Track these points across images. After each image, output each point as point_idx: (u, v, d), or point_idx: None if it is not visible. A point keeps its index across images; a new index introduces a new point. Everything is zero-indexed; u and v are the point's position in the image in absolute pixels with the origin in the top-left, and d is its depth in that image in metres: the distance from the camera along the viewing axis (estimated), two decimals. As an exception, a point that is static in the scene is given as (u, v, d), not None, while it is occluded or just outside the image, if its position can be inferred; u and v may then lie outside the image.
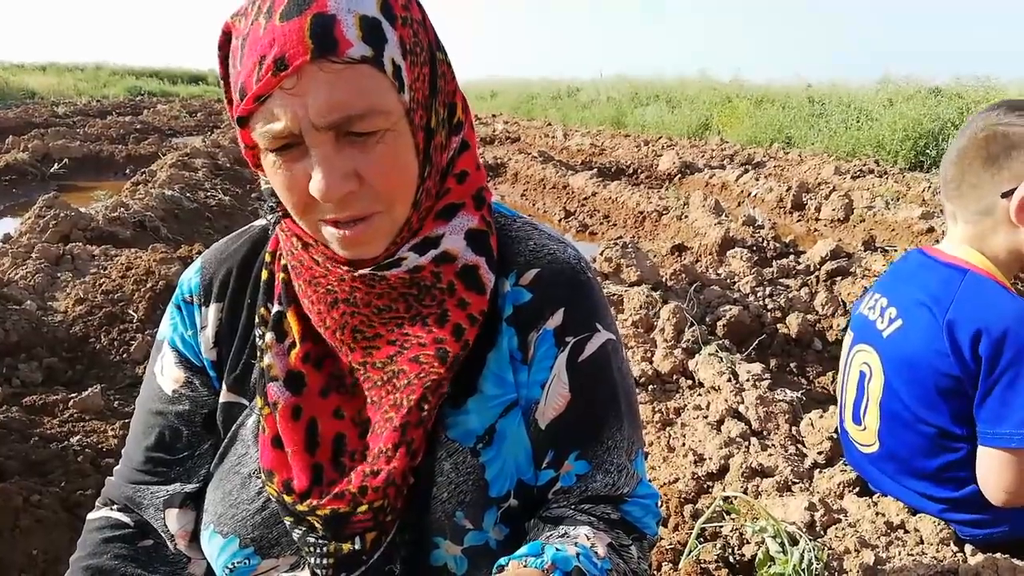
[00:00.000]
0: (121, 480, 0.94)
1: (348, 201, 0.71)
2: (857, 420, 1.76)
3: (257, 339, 0.87)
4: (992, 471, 1.45)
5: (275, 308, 0.85)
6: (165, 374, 0.93)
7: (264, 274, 0.89)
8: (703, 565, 1.65)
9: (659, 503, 0.94)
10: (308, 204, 0.73)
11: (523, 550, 0.76)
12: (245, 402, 0.89)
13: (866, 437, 1.73)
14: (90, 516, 0.95)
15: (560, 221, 7.04)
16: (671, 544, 1.76)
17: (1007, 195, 1.45)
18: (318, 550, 0.81)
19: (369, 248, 0.77)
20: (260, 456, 0.83)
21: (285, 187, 0.73)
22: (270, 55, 0.65)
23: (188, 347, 0.92)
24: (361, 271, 0.78)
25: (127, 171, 8.91)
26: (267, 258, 0.89)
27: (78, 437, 2.38)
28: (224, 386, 0.90)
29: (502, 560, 0.75)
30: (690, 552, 1.68)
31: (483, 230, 0.84)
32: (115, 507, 0.94)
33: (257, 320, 0.87)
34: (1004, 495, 1.44)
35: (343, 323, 0.81)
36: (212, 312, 0.91)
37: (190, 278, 0.94)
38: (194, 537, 0.91)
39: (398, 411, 0.79)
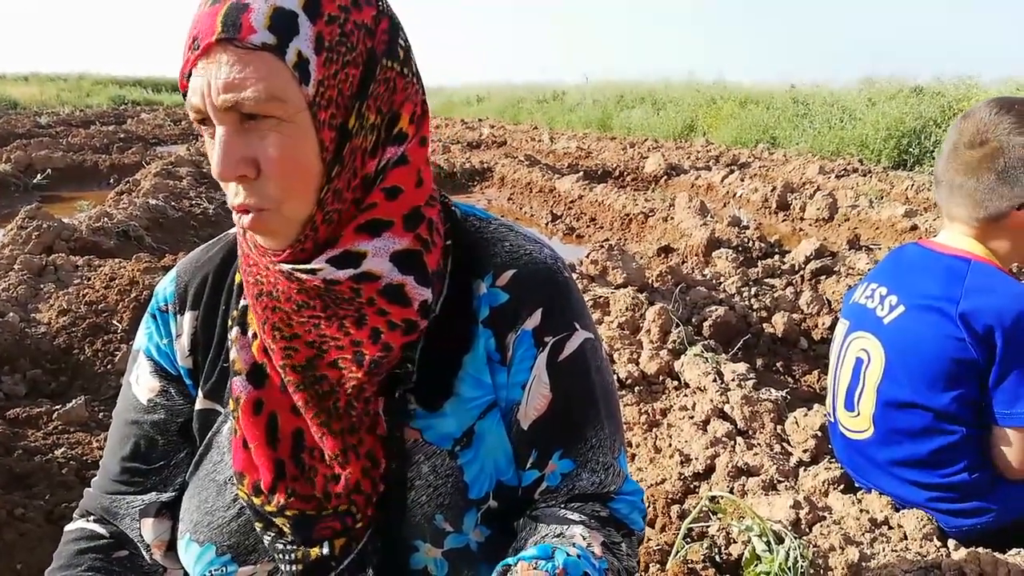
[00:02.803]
0: (98, 491, 0.94)
1: (244, 186, 0.73)
2: (850, 407, 1.77)
3: (229, 340, 0.87)
4: (1009, 449, 1.56)
5: (242, 303, 0.85)
6: (140, 383, 0.92)
7: (238, 278, 0.88)
8: (690, 565, 1.65)
9: (644, 499, 0.94)
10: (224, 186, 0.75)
11: (532, 551, 0.75)
12: (220, 409, 0.89)
13: (859, 424, 1.75)
14: (67, 528, 0.94)
15: (547, 224, 7.04)
16: (659, 545, 1.76)
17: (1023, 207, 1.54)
18: (287, 556, 0.81)
19: (271, 240, 0.76)
20: (232, 458, 0.83)
21: (213, 167, 0.75)
22: (192, 36, 0.70)
23: (164, 356, 0.92)
24: (281, 266, 0.77)
25: (111, 181, 8.83)
26: (240, 262, 0.89)
27: (62, 449, 2.36)
28: (200, 393, 0.90)
29: (509, 560, 0.74)
30: (677, 552, 1.68)
31: (414, 250, 0.80)
32: (91, 518, 0.94)
33: (230, 323, 0.87)
34: (1018, 469, 1.57)
35: (264, 319, 0.80)
36: (187, 320, 0.91)
37: (165, 287, 0.94)
38: (171, 547, 0.91)
39: (328, 417, 0.80)
